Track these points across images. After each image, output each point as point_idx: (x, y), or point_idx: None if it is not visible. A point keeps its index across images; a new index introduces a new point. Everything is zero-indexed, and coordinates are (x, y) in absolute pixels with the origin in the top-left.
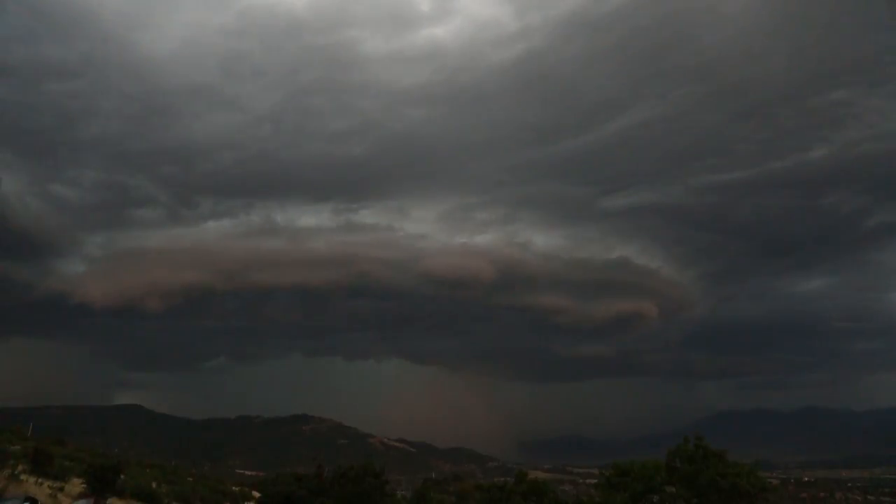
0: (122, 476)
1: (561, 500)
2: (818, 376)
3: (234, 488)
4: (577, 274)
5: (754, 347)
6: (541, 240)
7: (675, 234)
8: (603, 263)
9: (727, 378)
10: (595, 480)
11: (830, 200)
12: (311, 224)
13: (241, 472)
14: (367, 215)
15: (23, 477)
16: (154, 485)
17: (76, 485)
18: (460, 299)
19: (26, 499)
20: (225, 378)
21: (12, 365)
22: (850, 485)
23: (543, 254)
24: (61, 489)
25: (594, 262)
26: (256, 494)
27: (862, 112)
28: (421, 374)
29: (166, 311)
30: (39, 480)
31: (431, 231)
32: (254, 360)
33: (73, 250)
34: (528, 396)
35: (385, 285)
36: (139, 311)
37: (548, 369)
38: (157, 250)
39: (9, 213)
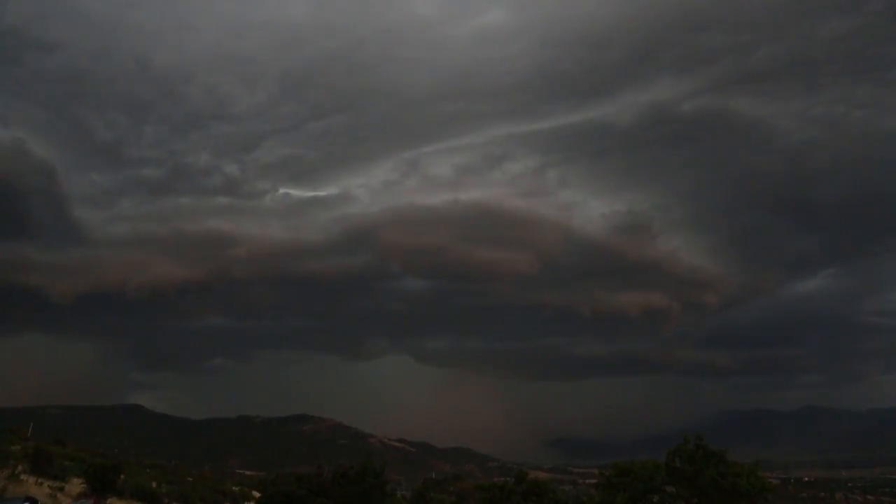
0: (122, 476)
1: (561, 500)
2: (820, 376)
3: (234, 488)
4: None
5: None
6: None
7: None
8: None
9: (744, 377)
10: (595, 480)
11: None
12: None
13: (241, 472)
14: None
15: (23, 477)
16: (154, 485)
17: (76, 485)
18: None
19: (26, 499)
20: (224, 377)
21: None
22: (850, 485)
23: None
24: (61, 489)
25: None
26: (256, 494)
27: None
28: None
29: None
30: (39, 480)
31: None
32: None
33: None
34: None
35: None
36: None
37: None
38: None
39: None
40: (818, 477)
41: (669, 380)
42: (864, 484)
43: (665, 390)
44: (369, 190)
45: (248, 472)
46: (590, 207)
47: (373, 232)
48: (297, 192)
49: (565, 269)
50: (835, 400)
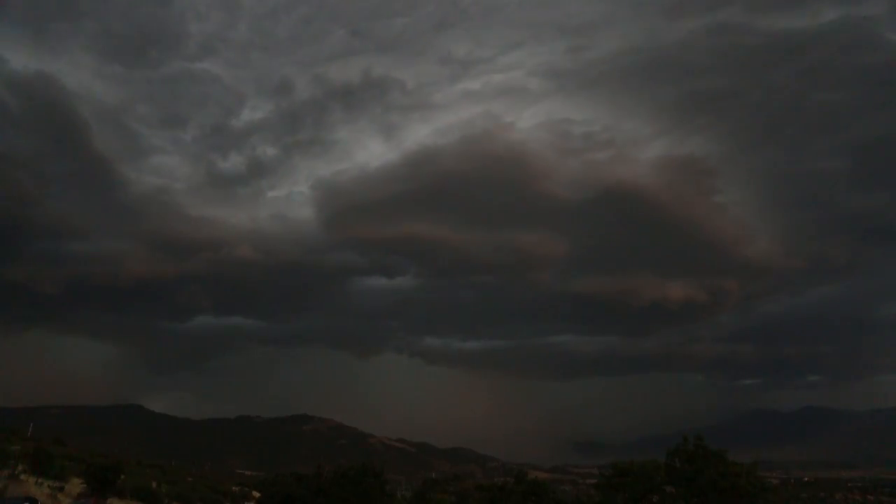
0: (122, 476)
1: (561, 500)
2: (820, 376)
3: (234, 488)
4: None
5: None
6: None
7: None
8: None
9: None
10: (595, 480)
11: None
12: None
13: (241, 472)
14: None
15: (23, 477)
16: (154, 485)
17: (76, 485)
18: None
19: (26, 499)
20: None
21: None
22: (850, 485)
23: None
24: (61, 489)
25: None
26: (256, 494)
27: None
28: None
29: None
30: (39, 480)
31: None
32: None
33: None
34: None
35: None
36: None
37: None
38: None
39: None
40: (818, 477)
41: (669, 379)
42: (864, 484)
43: (665, 390)
44: None
45: (248, 472)
46: None
47: None
48: None
49: None
50: (835, 400)
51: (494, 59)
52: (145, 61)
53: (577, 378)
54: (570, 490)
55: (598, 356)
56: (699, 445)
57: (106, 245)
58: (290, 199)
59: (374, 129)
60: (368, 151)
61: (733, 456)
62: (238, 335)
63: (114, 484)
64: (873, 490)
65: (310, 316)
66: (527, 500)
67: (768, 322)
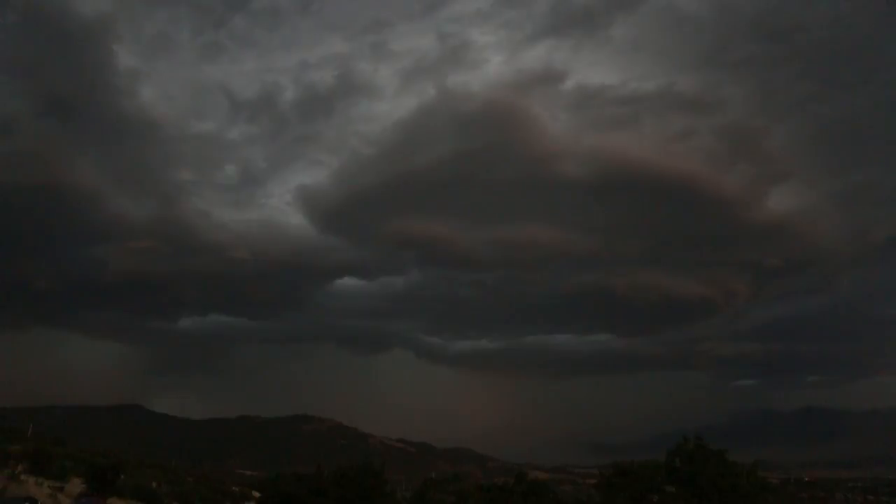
0: (122, 476)
1: (561, 499)
2: (820, 376)
3: (234, 488)
4: None
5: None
6: None
7: None
8: None
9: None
10: (595, 480)
11: None
12: None
13: (241, 472)
14: None
15: (23, 477)
16: (154, 485)
17: (76, 485)
18: None
19: (26, 499)
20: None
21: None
22: (850, 485)
23: None
24: (61, 489)
25: None
26: (256, 494)
27: None
28: None
29: None
30: (39, 480)
31: None
32: None
33: None
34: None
35: None
36: None
37: None
38: None
39: None
40: (818, 477)
41: (671, 379)
42: (864, 484)
43: (667, 390)
44: None
45: (248, 472)
46: None
47: None
48: None
49: None
50: (835, 400)
51: (485, 55)
52: None
53: (577, 377)
54: (571, 490)
55: (596, 355)
56: (699, 445)
57: (106, 245)
58: (281, 206)
59: (366, 129)
60: (362, 151)
61: (733, 456)
62: (238, 335)
63: (114, 484)
64: (874, 490)
65: (310, 316)
66: (527, 500)
67: (769, 322)
